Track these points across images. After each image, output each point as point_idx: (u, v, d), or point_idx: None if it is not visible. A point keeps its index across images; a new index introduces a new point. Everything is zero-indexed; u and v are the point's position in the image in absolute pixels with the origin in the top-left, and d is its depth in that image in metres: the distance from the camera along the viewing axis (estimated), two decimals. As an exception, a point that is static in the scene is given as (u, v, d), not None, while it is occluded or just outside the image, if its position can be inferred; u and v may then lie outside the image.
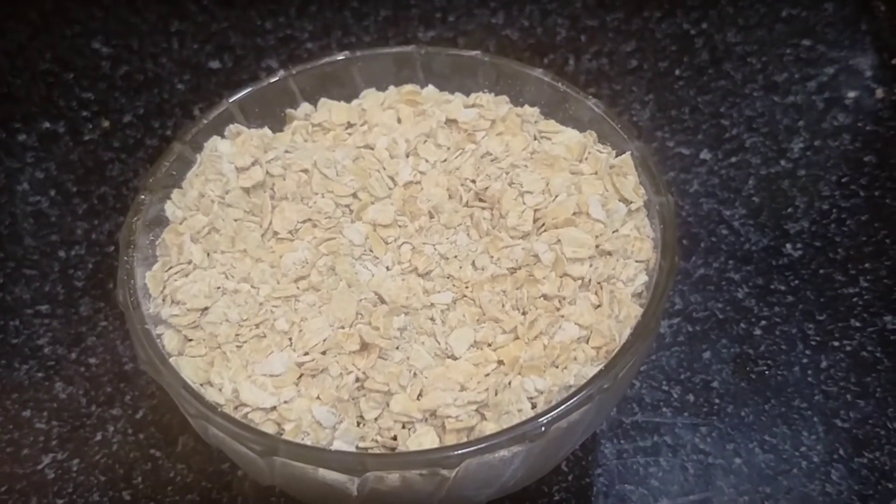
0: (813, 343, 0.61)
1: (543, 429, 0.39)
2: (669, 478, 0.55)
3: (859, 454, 0.56)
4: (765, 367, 0.60)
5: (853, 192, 0.71)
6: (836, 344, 0.61)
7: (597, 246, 0.46)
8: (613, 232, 0.47)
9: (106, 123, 0.79)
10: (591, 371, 0.42)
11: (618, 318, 0.44)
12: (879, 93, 0.78)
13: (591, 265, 0.46)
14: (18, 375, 0.62)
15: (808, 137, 0.75)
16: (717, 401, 0.59)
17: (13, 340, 0.64)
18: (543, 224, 0.47)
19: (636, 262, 0.47)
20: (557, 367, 0.43)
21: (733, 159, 0.73)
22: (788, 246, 0.67)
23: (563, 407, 0.39)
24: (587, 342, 0.44)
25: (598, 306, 0.45)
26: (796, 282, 0.65)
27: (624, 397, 0.59)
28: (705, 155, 0.74)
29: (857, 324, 0.62)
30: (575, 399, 0.39)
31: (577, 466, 0.56)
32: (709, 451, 0.56)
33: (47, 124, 0.79)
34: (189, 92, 0.81)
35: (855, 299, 0.64)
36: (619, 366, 0.41)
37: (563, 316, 0.44)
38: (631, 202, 0.49)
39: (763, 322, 0.63)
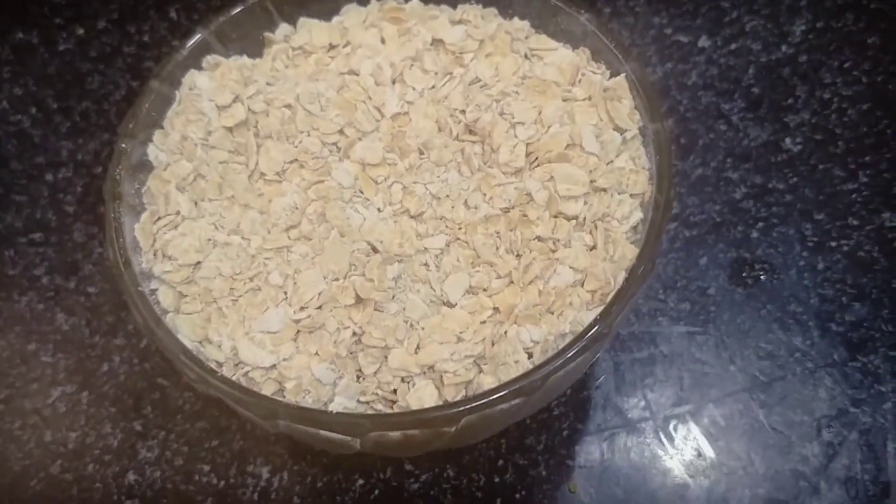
0: (810, 244, 0.61)
1: (541, 381, 0.39)
2: (665, 389, 0.57)
3: (853, 358, 0.57)
4: (761, 272, 0.60)
5: (855, 78, 0.68)
6: (833, 244, 0.61)
7: (591, 181, 0.45)
8: (608, 164, 0.46)
9: (80, 31, 0.75)
10: (587, 317, 0.42)
11: (612, 259, 0.44)
12: (887, -35, 0.74)
13: (585, 202, 0.45)
14: (19, 307, 0.62)
15: (811, 18, 0.72)
16: (713, 308, 0.59)
17: (10, 272, 0.64)
18: (536, 158, 0.46)
19: (631, 196, 0.46)
20: (553, 314, 0.43)
21: (733, 46, 0.71)
22: (788, 140, 0.66)
23: (559, 360, 0.39)
24: (582, 286, 0.44)
25: (593, 248, 0.44)
26: (795, 179, 0.64)
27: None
28: (704, 42, 0.71)
29: (856, 222, 0.62)
30: (571, 350, 0.39)
31: (576, 381, 0.57)
32: (704, 360, 0.57)
33: (20, 35, 0.76)
34: (163, -9, 0.78)
35: (854, 195, 0.63)
36: (614, 311, 0.41)
37: (557, 259, 0.44)
38: (626, 130, 0.47)
39: (760, 224, 0.62)
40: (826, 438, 0.54)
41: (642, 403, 0.56)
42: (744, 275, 0.60)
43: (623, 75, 0.49)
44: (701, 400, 0.56)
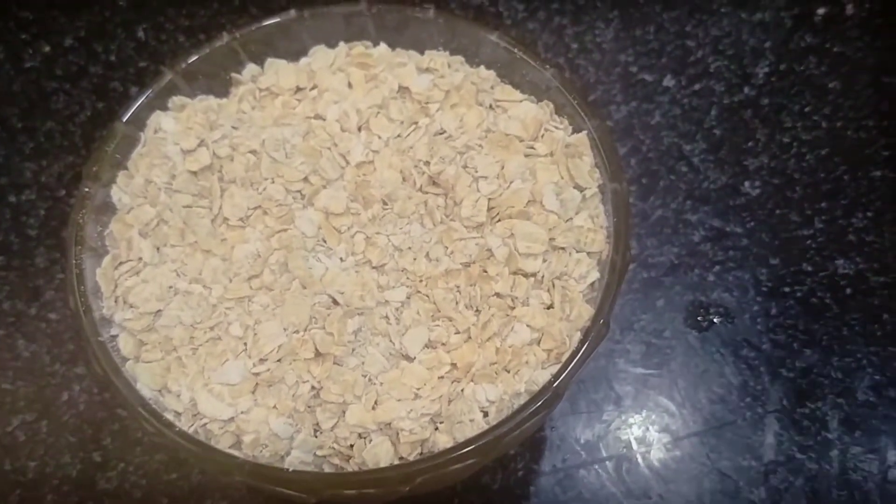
0: (764, 289, 0.63)
1: (495, 442, 0.40)
2: (620, 430, 0.58)
3: (802, 404, 0.58)
4: (715, 316, 0.62)
5: (815, 123, 0.70)
6: (786, 290, 0.63)
7: (550, 240, 0.46)
8: (567, 221, 0.47)
9: (47, 48, 0.75)
10: (542, 376, 0.43)
11: (569, 319, 0.45)
12: (850, 9, 0.75)
13: (543, 260, 0.46)
14: (-21, 333, 0.62)
15: (774, 60, 0.73)
16: (668, 351, 0.61)
17: (-29, 296, 0.64)
18: (497, 214, 0.47)
19: (588, 255, 0.47)
20: (509, 373, 0.44)
21: (697, 86, 0.72)
22: (747, 184, 0.67)
23: (514, 420, 0.40)
24: (538, 344, 0.44)
25: (550, 306, 0.45)
26: (752, 223, 0.65)
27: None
28: (668, 81, 0.72)
29: (809, 268, 0.64)
30: (526, 411, 0.40)
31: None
32: (658, 402, 0.59)
33: (-15, 50, 0.75)
34: (131, 10, 0.77)
35: (809, 241, 0.65)
36: (569, 373, 0.42)
37: (515, 317, 0.45)
38: (585, 188, 0.48)
39: (717, 267, 0.64)
40: (773, 484, 0.56)
41: (597, 445, 0.57)
42: (699, 318, 0.62)
43: (584, 133, 0.49)
44: (654, 442, 0.57)
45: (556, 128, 0.50)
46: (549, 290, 0.46)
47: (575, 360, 0.42)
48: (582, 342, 0.43)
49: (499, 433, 0.40)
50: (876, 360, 0.60)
